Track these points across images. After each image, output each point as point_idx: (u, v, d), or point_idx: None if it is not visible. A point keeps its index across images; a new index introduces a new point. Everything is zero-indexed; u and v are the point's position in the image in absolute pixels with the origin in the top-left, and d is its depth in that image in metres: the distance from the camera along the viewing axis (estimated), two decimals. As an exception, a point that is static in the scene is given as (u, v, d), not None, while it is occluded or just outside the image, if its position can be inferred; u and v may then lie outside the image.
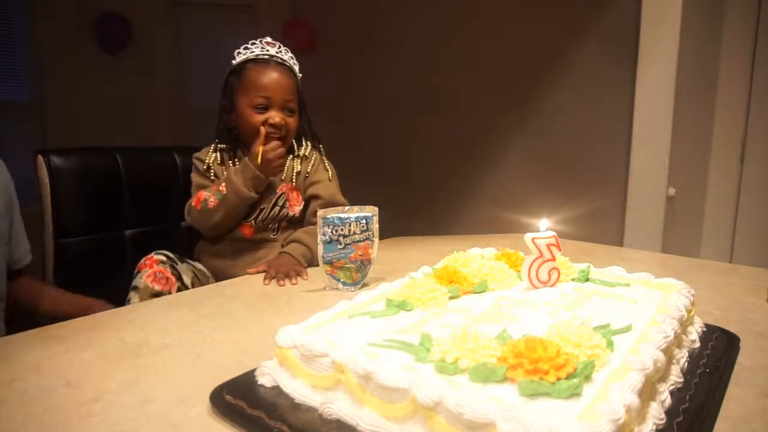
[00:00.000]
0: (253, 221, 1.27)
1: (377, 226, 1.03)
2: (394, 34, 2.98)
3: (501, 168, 2.68)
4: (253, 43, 1.27)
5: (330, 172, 1.33)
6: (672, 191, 2.14)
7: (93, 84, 3.08)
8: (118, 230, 1.43)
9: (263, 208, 1.27)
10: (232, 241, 1.28)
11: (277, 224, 1.29)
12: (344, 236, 0.99)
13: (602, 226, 2.29)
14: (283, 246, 1.24)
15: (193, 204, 1.26)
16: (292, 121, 1.27)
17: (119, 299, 1.10)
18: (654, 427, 0.49)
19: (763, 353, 0.71)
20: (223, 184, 1.23)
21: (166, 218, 1.49)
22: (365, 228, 1.01)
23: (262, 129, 1.23)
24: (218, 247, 1.29)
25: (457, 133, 2.81)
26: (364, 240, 1.01)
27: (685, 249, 2.33)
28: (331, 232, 0.99)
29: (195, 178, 1.31)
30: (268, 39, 1.28)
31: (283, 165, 1.27)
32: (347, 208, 1.03)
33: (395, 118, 3.06)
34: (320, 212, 1.00)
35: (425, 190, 2.98)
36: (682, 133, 2.15)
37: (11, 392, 0.61)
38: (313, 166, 1.32)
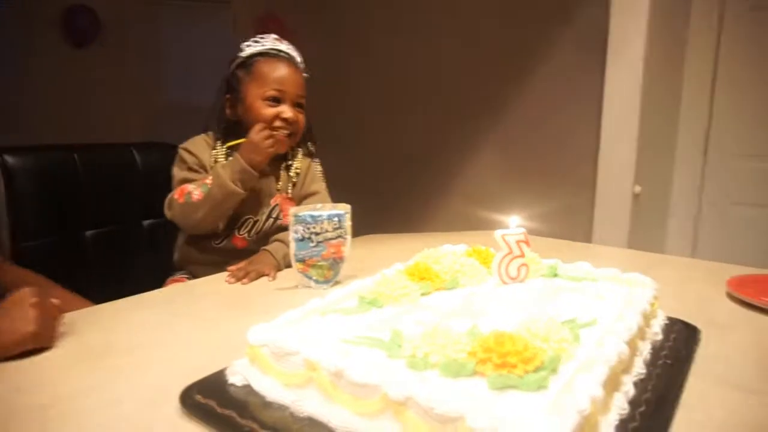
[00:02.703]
0: (246, 234, 1.23)
1: (350, 223, 1.03)
2: (367, 32, 2.97)
3: (473, 166, 2.70)
4: (261, 38, 1.24)
5: (321, 177, 1.33)
6: (638, 188, 2.20)
7: (61, 79, 2.98)
8: (78, 231, 1.38)
9: (257, 221, 1.23)
10: (226, 251, 1.22)
11: (274, 235, 1.23)
12: (316, 234, 0.99)
13: (572, 222, 2.34)
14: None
15: (176, 197, 1.15)
16: (302, 118, 1.24)
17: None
18: (618, 417, 0.50)
19: (722, 344, 0.73)
20: (210, 177, 1.15)
21: (125, 218, 1.44)
22: (338, 226, 1.01)
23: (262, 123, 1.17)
24: (208, 256, 1.23)
25: (429, 131, 2.83)
26: (336, 238, 1.01)
27: (650, 244, 2.39)
28: (303, 229, 0.98)
29: (180, 172, 1.20)
30: (275, 36, 1.25)
31: (272, 154, 1.18)
32: (320, 205, 1.03)
33: (367, 116, 3.06)
34: (292, 210, 1.00)
35: (398, 188, 2.99)
36: (648, 132, 2.21)
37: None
38: (307, 175, 1.30)
